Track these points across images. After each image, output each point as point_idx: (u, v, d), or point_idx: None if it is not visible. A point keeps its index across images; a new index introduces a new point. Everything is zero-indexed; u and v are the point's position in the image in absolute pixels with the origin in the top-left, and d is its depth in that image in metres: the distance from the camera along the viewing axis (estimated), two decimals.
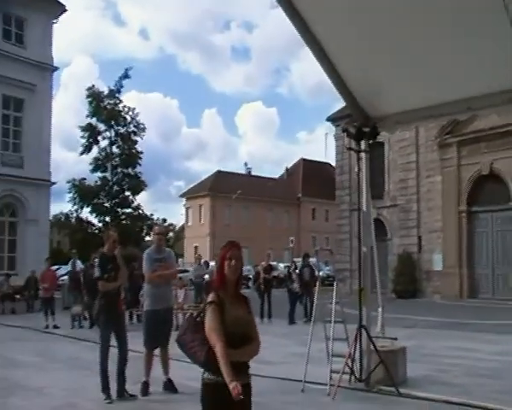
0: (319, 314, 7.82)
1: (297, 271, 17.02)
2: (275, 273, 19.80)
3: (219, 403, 3.20)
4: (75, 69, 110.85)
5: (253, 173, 71.61)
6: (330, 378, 7.14)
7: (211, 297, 3.32)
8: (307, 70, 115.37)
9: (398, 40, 6.33)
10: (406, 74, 6.81)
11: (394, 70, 6.85)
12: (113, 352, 7.24)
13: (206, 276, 19.31)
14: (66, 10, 29.42)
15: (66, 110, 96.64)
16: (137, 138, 35.27)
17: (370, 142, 7.77)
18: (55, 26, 29.22)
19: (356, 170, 7.82)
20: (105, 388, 6.93)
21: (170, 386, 7.38)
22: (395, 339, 8.00)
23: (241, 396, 3.00)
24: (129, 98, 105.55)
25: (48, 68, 28.55)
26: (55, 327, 15.46)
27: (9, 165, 26.89)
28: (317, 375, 7.42)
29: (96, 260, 7.32)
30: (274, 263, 22.99)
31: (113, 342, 7.24)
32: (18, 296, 21.89)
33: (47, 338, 14.02)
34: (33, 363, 10.08)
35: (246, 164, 78.92)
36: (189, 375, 7.07)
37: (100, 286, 7.14)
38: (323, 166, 64.59)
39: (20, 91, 27.17)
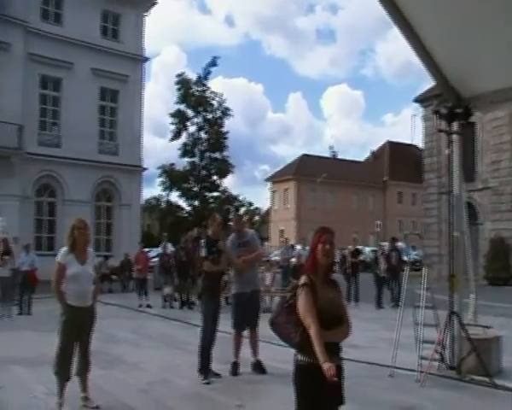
0: (407, 299, 7.67)
1: (385, 255, 16.74)
2: (361, 257, 19.56)
3: (312, 385, 3.24)
4: (164, 59, 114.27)
5: (338, 157, 70.74)
6: (419, 365, 7.00)
7: (303, 279, 3.37)
8: (393, 50, 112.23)
9: (491, 16, 6.02)
10: (500, 50, 6.47)
11: (487, 47, 6.53)
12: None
13: (293, 259, 19.41)
14: (156, 3, 30.45)
15: (157, 99, 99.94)
16: (224, 122, 35.81)
17: (462, 123, 7.47)
18: (146, 18, 30.36)
19: (446, 152, 7.55)
20: (203, 367, 7.05)
21: (259, 367, 7.49)
22: (489, 327, 7.69)
23: (335, 378, 3.04)
24: (215, 84, 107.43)
25: (139, 59, 29.77)
26: (148, 306, 16.18)
27: (106, 152, 28.38)
28: (406, 361, 7.31)
29: (202, 241, 7.49)
30: (360, 247, 22.69)
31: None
32: (114, 277, 23.05)
33: (140, 316, 14.71)
34: (129, 339, 10.64)
35: (331, 147, 78.08)
36: (278, 357, 7.22)
37: (205, 266, 7.27)
38: (410, 148, 62.58)
39: (114, 83, 28.59)
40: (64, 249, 5.78)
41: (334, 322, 3.30)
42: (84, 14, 27.31)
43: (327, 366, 3.04)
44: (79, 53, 27.02)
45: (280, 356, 6.80)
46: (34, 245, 23.94)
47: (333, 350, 3.27)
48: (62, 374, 5.65)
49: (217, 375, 7.21)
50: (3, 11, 24.41)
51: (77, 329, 5.68)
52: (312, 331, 3.18)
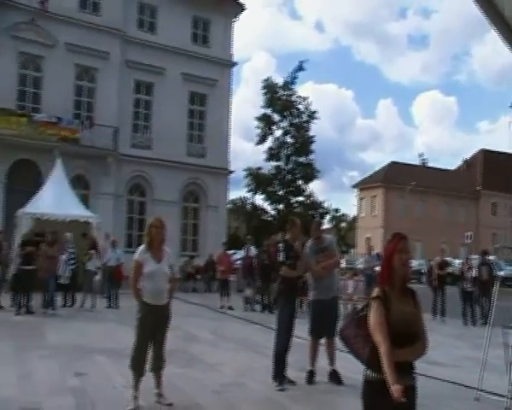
0: (498, 317, 7.18)
1: (472, 269, 15.87)
2: (449, 270, 18.67)
3: (380, 402, 3.05)
4: (254, 64, 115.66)
5: (428, 165, 68.38)
6: (510, 391, 6.51)
7: (376, 292, 3.18)
8: (490, 54, 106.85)
9: None
10: None
11: None
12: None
13: (378, 268, 18.91)
14: (244, 9, 30.92)
15: (247, 103, 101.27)
16: (310, 126, 35.67)
17: None
18: (234, 24, 30.91)
19: None
20: (277, 374, 6.97)
21: (335, 377, 7.31)
22: None
23: (403, 400, 2.86)
24: (305, 89, 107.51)
25: (228, 64, 30.33)
26: (230, 308, 16.33)
27: (194, 155, 29.11)
28: (494, 384, 6.85)
29: (281, 245, 7.45)
30: (449, 259, 21.72)
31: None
32: (198, 277, 23.55)
33: (221, 317, 14.87)
34: (208, 340, 10.78)
35: (421, 155, 75.58)
36: (355, 368, 6.99)
37: (282, 271, 7.21)
38: (507, 157, 59.38)
39: (203, 87, 29.30)
40: (141, 248, 5.92)
41: (408, 339, 3.08)
42: (176, 21, 28.25)
43: (395, 389, 2.87)
44: (171, 58, 27.97)
45: (358, 367, 6.59)
46: (125, 242, 25.12)
47: (405, 370, 3.08)
48: (137, 369, 5.78)
49: (291, 382, 7.11)
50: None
51: (152, 326, 5.80)
52: (382, 350, 3.00)
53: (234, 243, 36.53)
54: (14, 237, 17.16)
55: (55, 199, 18.21)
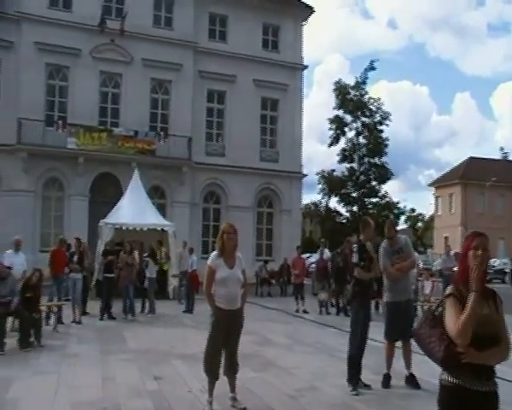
0: None
1: None
2: None
3: (458, 409, 2.95)
4: (327, 67, 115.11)
5: (510, 159, 65.09)
6: None
7: (450, 290, 3.07)
8: None
9: None
10: None
11: None
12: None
13: (456, 268, 18.25)
14: (314, 12, 30.81)
15: (320, 106, 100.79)
16: (383, 127, 35.08)
17: None
18: (304, 27, 30.88)
19: None
20: (351, 378, 6.91)
21: (412, 381, 7.14)
22: None
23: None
24: (378, 88, 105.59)
25: (298, 68, 30.37)
26: (305, 312, 16.25)
27: (267, 160, 29.33)
28: None
29: (355, 246, 7.36)
30: None
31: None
32: (273, 281, 23.63)
33: (296, 321, 14.84)
34: (283, 344, 10.79)
35: (502, 149, 72.16)
36: (433, 372, 6.78)
37: (356, 273, 7.14)
38: None
39: (274, 92, 29.50)
40: (214, 253, 6.00)
41: (487, 342, 2.92)
42: (246, 29, 28.67)
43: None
44: (242, 66, 28.37)
45: (436, 371, 6.40)
46: (201, 249, 25.65)
47: (485, 374, 2.94)
48: (211, 373, 5.88)
49: (367, 386, 7.02)
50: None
51: (225, 331, 5.87)
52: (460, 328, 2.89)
53: (308, 246, 36.40)
54: (97, 247, 17.96)
55: (133, 209, 18.89)
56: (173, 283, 19.29)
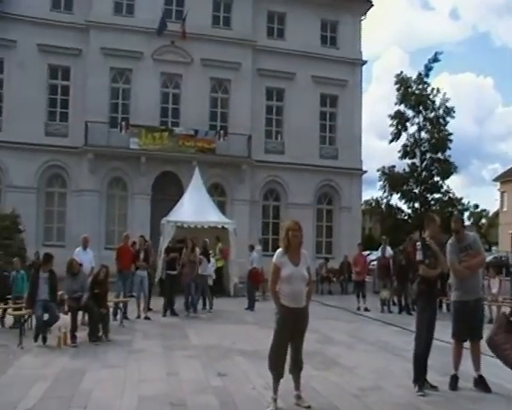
0: None
1: None
2: None
3: None
4: (386, 61, 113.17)
5: None
6: None
7: None
8: None
9: None
10: None
11: None
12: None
13: None
14: (372, 6, 30.32)
15: (379, 101, 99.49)
16: (447, 121, 34.06)
17: None
18: (363, 22, 30.47)
19: None
20: (417, 378, 6.77)
21: (481, 384, 6.87)
22: None
23: None
24: (439, 81, 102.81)
25: (357, 63, 29.99)
26: (366, 310, 16.09)
27: (326, 157, 29.14)
28: None
29: (419, 243, 7.18)
30: None
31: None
32: (334, 279, 23.48)
33: (358, 319, 14.71)
34: (345, 342, 10.71)
35: None
36: (506, 375, 6.58)
37: (421, 270, 6.95)
38: None
39: (333, 88, 29.28)
40: (279, 251, 5.98)
41: None
42: (305, 25, 28.52)
43: None
44: (301, 63, 28.23)
45: (508, 375, 6.21)
46: (262, 246, 25.76)
47: None
48: (276, 371, 5.88)
49: (433, 387, 6.84)
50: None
51: (290, 329, 5.85)
52: None
53: (368, 243, 35.85)
54: (159, 244, 18.38)
55: (194, 207, 19.19)
56: (234, 280, 19.51)
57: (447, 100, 33.97)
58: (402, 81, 34.23)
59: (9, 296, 11.69)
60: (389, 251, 18.82)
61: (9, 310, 11.09)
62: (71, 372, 7.52)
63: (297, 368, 5.99)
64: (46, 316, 9.67)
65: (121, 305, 12.69)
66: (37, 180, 25.60)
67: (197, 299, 15.02)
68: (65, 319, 9.95)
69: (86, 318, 10.98)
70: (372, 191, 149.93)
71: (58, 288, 10.16)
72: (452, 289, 7.29)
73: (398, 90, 34.29)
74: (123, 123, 25.48)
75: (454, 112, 34.05)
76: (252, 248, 17.73)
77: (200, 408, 5.90)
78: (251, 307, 15.97)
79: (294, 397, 6.00)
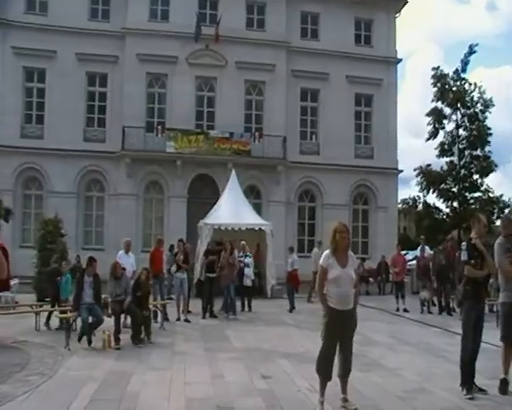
0: None
1: None
2: None
3: None
4: (421, 58, 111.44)
5: None
6: None
7: None
8: None
9: None
10: None
11: None
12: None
13: None
14: (407, 2, 30.01)
15: (413, 99, 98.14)
16: (485, 116, 33.27)
17: None
18: (397, 20, 30.21)
19: None
20: (465, 381, 6.67)
21: None
22: None
23: None
24: (475, 75, 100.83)
25: (392, 62, 29.75)
26: (405, 311, 15.90)
27: (362, 157, 29.00)
28: None
29: (464, 244, 7.06)
30: None
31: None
32: (371, 279, 23.27)
33: (397, 320, 14.57)
34: (386, 343, 10.65)
35: None
36: None
37: (466, 271, 6.83)
38: None
39: (368, 88, 29.11)
40: (326, 253, 5.98)
41: None
42: (338, 25, 28.49)
43: None
44: (335, 63, 28.20)
45: None
46: (297, 248, 25.77)
47: None
48: (324, 374, 5.88)
49: (482, 391, 6.72)
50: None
51: (338, 331, 5.85)
52: None
53: (404, 243, 35.37)
54: (197, 247, 18.54)
55: (231, 209, 19.32)
56: (271, 281, 19.53)
57: (484, 92, 33.18)
58: (439, 77, 33.61)
59: (60, 299, 11.90)
60: (428, 251, 18.59)
61: (55, 313, 11.39)
62: (117, 374, 7.67)
63: (346, 371, 5.98)
64: (91, 319, 9.88)
65: (161, 307, 12.84)
66: (76, 185, 26.26)
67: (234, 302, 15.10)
68: (108, 322, 10.15)
69: (128, 320, 11.15)
70: (406, 191, 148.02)
71: (101, 291, 10.37)
72: (500, 290, 7.15)
73: (434, 86, 33.70)
74: (159, 127, 25.89)
75: (492, 103, 33.17)
76: (291, 250, 17.78)
77: None
78: (292, 309, 15.99)
79: (341, 400, 5.99)
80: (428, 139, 34.38)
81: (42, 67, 26.45)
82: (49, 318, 11.88)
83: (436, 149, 34.00)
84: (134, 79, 26.14)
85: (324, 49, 28.10)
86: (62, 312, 11.07)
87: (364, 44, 29.45)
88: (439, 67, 34.19)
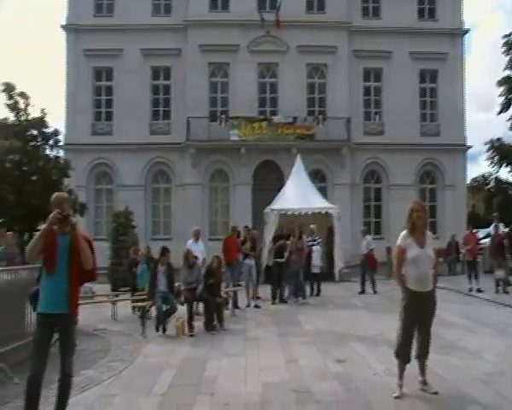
0: None
1: None
2: None
3: None
4: (488, 28, 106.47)
5: None
6: None
7: None
8: None
9: None
10: None
11: None
12: None
13: None
14: None
15: (481, 72, 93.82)
16: None
17: None
18: None
19: None
20: None
21: None
22: None
23: None
24: None
25: (458, 34, 28.70)
26: (479, 291, 15.40)
27: (428, 134, 28.21)
28: None
29: None
30: None
31: None
32: (440, 259, 22.60)
33: (471, 301, 14.17)
34: (462, 325, 10.37)
35: None
36: None
37: None
38: None
39: (433, 63, 28.25)
40: (403, 233, 5.84)
41: None
42: (401, 2, 27.70)
43: None
44: (398, 40, 27.46)
45: None
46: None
47: None
48: (402, 357, 5.78)
49: None
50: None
51: (417, 314, 5.72)
52: None
53: (474, 222, 34.11)
54: (264, 233, 18.65)
55: (297, 194, 19.31)
56: (339, 265, 19.43)
57: None
58: (511, 45, 31.88)
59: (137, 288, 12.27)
60: (502, 228, 17.89)
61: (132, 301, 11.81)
62: (193, 361, 7.86)
63: (424, 354, 5.85)
64: (165, 307, 10.16)
65: (232, 294, 13.02)
66: (144, 178, 27.04)
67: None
68: (182, 310, 10.40)
69: (200, 308, 11.37)
70: (474, 168, 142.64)
71: (174, 279, 10.64)
72: None
73: (507, 54, 31.99)
74: (222, 116, 26.18)
75: None
76: (366, 232, 17.74)
77: (324, 394, 5.94)
78: (363, 291, 16.01)
79: (420, 383, 5.87)
80: (500, 112, 32.79)
81: (109, 65, 27.47)
82: (133, 307, 12.29)
83: (508, 120, 32.43)
84: (197, 70, 26.52)
85: (387, 27, 27.36)
86: (138, 300, 11.45)
87: (428, 18, 28.48)
88: (511, 33, 32.45)
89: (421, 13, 28.52)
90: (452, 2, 28.50)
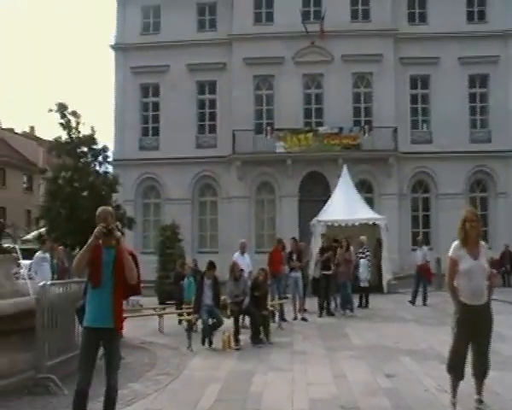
0: None
1: None
2: None
3: None
4: None
5: None
6: None
7: None
8: None
9: None
10: None
11: None
12: None
13: None
14: None
15: None
16: None
17: None
18: None
19: None
20: None
21: None
22: None
23: None
24: None
25: (510, 36, 27.59)
26: None
27: (478, 141, 27.38)
28: None
29: None
30: None
31: None
32: (494, 270, 21.85)
33: None
34: None
35: None
36: None
37: None
38: None
39: (483, 67, 27.40)
40: (455, 244, 5.59)
41: None
42: (449, 4, 26.94)
43: None
44: (445, 45, 26.79)
45: None
46: (411, 241, 24.95)
47: None
48: (455, 373, 5.49)
49: None
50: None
51: (470, 329, 5.44)
52: None
53: None
54: (310, 245, 18.46)
55: (344, 205, 19.08)
56: (387, 277, 19.06)
57: None
58: None
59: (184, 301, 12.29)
60: None
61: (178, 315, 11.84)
62: (239, 375, 7.78)
63: (481, 371, 5.50)
64: (211, 320, 10.13)
65: (278, 307, 12.89)
66: (191, 191, 27.35)
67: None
68: (228, 323, 10.35)
69: (246, 321, 11.29)
70: None
71: (220, 293, 10.60)
72: None
73: None
74: (268, 128, 26.24)
75: None
76: (421, 242, 17.31)
77: None
78: (413, 301, 15.71)
79: (475, 401, 5.54)
80: None
81: (156, 81, 28.06)
82: (180, 320, 12.32)
83: None
84: (242, 84, 26.72)
85: (434, 33, 26.75)
86: (183, 314, 11.46)
87: (478, 21, 27.62)
88: None
89: (470, 15, 27.73)
90: (503, 3, 27.53)
